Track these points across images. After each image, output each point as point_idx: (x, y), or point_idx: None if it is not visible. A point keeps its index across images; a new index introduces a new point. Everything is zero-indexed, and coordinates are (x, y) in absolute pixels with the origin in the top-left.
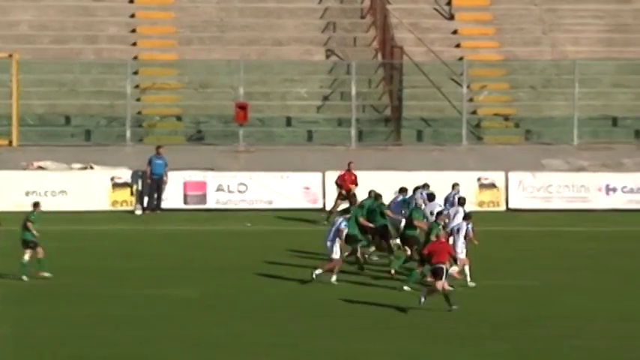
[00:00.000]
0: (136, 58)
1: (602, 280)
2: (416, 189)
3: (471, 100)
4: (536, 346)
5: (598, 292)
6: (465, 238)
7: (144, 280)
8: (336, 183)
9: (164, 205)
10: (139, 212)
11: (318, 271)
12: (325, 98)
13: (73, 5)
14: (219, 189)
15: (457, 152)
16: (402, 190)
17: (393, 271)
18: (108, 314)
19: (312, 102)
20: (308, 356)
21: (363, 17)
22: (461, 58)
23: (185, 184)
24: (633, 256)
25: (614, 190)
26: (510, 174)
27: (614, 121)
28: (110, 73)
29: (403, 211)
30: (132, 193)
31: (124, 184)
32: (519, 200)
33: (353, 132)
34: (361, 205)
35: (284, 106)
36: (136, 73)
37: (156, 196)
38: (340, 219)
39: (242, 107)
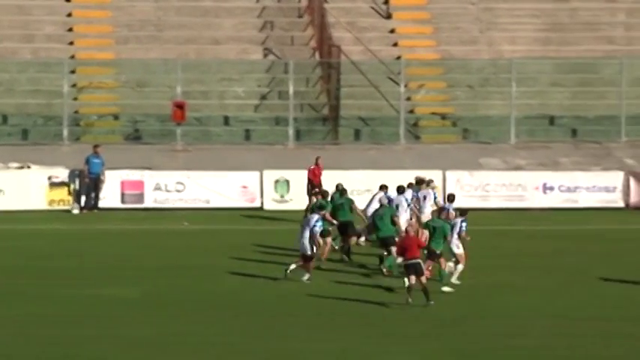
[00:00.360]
0: (73, 57)
1: (540, 278)
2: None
3: (408, 99)
4: (472, 344)
5: (535, 290)
6: (460, 235)
7: (82, 280)
8: (309, 178)
9: (101, 204)
10: (76, 211)
11: (292, 267)
12: (263, 97)
13: (8, 4)
14: (157, 188)
15: (395, 151)
16: (410, 185)
17: (385, 270)
18: (45, 314)
19: (250, 101)
20: (244, 355)
21: (300, 16)
22: (398, 57)
23: (122, 183)
24: (570, 255)
25: (552, 188)
26: (448, 173)
27: (551, 120)
28: (47, 72)
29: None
30: (69, 193)
31: (62, 184)
32: (457, 199)
33: (290, 131)
34: (331, 199)
35: (222, 105)
36: (73, 72)
37: (93, 195)
38: (315, 217)
39: (179, 106)
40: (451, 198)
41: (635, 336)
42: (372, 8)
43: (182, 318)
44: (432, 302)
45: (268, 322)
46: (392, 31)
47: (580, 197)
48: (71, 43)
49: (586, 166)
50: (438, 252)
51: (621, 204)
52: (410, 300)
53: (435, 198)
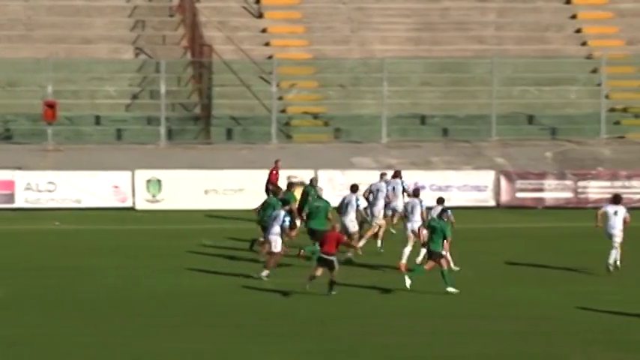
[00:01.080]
0: None
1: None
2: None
3: (280, 98)
4: (341, 343)
5: (401, 290)
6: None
7: None
8: (269, 180)
9: None
10: None
11: (265, 273)
12: (134, 97)
13: None
14: (28, 188)
15: (267, 150)
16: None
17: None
18: None
19: (121, 100)
20: (111, 356)
21: (172, 15)
22: (270, 57)
23: None
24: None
25: (423, 187)
26: (320, 172)
27: (423, 120)
28: None
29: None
30: None
31: None
32: (329, 198)
33: (162, 131)
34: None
35: (93, 104)
36: None
37: None
38: (282, 212)
39: (50, 106)
40: (416, 193)
41: (495, 333)
42: (244, 8)
43: (49, 318)
44: (334, 292)
45: (137, 323)
46: (264, 30)
47: (452, 196)
48: None
49: (457, 165)
50: (438, 252)
51: (492, 203)
52: (308, 287)
53: (404, 189)
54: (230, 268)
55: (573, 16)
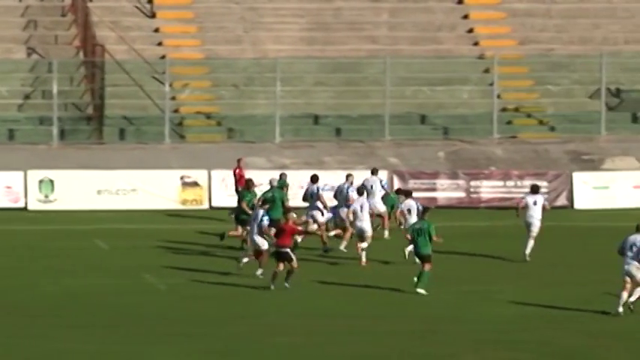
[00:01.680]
0: None
1: (304, 276)
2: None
3: (173, 98)
4: (236, 343)
5: (297, 289)
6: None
7: None
8: (235, 180)
9: None
10: None
11: (245, 260)
12: (26, 97)
13: None
14: None
15: (160, 150)
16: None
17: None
18: None
19: (13, 100)
20: (5, 356)
21: (64, 15)
22: (163, 57)
23: None
24: (329, 255)
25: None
26: (213, 172)
27: (316, 120)
28: None
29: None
30: None
31: None
32: (222, 198)
33: (55, 131)
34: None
35: None
36: None
37: None
38: (261, 212)
39: None
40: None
41: (390, 333)
42: (137, 7)
43: None
44: (288, 285)
45: (33, 324)
46: (156, 30)
47: None
48: None
49: (351, 165)
50: (427, 254)
51: None
52: (272, 287)
53: (383, 186)
54: (126, 269)
55: (465, 16)
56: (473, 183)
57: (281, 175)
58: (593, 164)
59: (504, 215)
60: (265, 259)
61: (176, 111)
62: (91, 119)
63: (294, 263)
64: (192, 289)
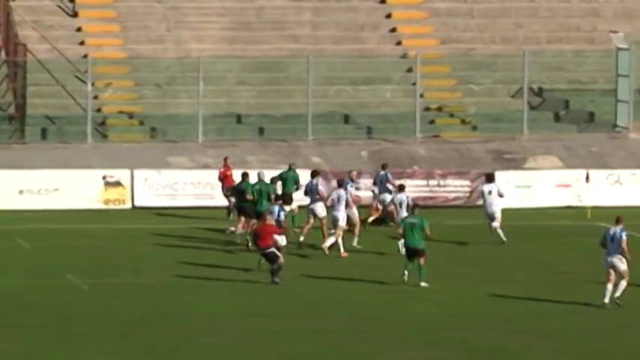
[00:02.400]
0: None
1: (223, 275)
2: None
3: (95, 97)
4: (166, 343)
5: (225, 289)
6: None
7: None
8: (219, 179)
9: None
10: None
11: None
12: None
13: None
14: None
15: (82, 150)
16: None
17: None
18: None
19: None
20: None
21: None
22: (85, 56)
23: None
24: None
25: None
26: (136, 172)
27: (239, 119)
28: None
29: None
30: None
31: None
32: (145, 198)
33: None
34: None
35: None
36: None
37: None
38: (276, 207)
39: None
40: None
41: (315, 332)
42: (59, 7)
43: None
44: (277, 280)
45: None
46: (79, 29)
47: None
48: None
49: (273, 164)
50: (422, 248)
51: (307, 202)
52: (279, 281)
53: (388, 179)
54: (49, 269)
55: (388, 16)
56: (396, 182)
57: (290, 166)
58: (515, 163)
59: (428, 214)
60: (284, 254)
61: (98, 110)
62: (13, 119)
63: (281, 260)
64: (116, 288)
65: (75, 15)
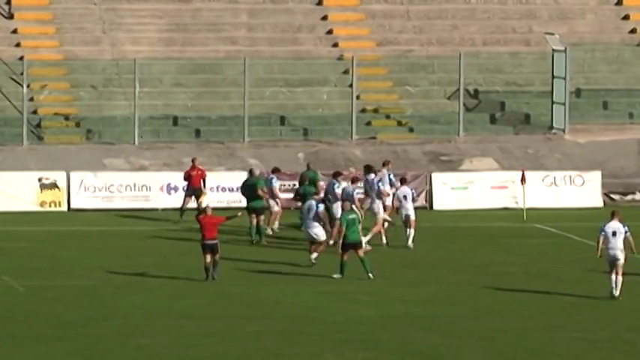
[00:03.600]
0: None
1: (164, 278)
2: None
3: (31, 99)
4: (99, 345)
5: (158, 290)
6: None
7: None
8: (184, 179)
9: None
10: None
11: (314, 255)
12: None
13: None
14: None
15: (18, 152)
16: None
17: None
18: None
19: None
20: None
21: None
22: (21, 58)
23: None
24: (196, 255)
25: (176, 189)
26: (72, 174)
27: (175, 121)
28: None
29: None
30: None
31: None
32: (81, 200)
33: None
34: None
35: None
36: None
37: None
38: (314, 202)
39: None
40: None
41: (253, 333)
42: None
43: None
44: (215, 277)
45: None
46: (14, 31)
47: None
48: None
49: (210, 166)
50: (359, 242)
51: (245, 204)
52: (210, 278)
53: (391, 180)
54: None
55: (324, 18)
56: None
57: (308, 166)
58: (451, 165)
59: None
60: (323, 248)
61: (34, 112)
62: None
63: (218, 256)
64: (52, 291)
65: (11, 17)
